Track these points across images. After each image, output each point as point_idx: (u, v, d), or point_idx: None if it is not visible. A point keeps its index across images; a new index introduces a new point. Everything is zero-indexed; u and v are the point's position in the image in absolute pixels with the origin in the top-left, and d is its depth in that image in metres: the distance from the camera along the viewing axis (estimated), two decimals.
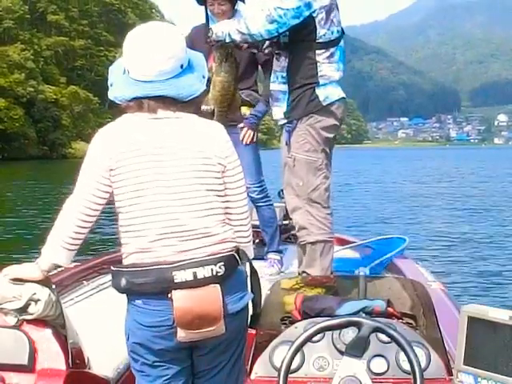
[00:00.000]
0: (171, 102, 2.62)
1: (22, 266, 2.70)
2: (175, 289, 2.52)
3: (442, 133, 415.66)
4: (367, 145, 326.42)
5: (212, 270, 2.54)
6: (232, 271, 2.59)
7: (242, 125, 5.15)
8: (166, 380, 2.60)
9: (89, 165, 2.66)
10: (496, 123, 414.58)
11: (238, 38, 4.32)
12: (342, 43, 4.48)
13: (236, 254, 2.62)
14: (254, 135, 5.22)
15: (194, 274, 2.53)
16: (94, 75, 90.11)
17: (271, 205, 5.37)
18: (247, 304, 2.67)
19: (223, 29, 4.36)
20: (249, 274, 2.78)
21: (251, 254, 2.87)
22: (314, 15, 4.26)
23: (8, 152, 70.60)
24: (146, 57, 2.60)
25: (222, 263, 2.56)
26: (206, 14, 5.05)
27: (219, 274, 2.55)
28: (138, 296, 2.56)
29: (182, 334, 2.55)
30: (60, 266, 2.79)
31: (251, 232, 2.86)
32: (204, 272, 2.54)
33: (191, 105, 2.68)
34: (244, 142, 5.16)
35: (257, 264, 3.01)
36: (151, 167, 2.57)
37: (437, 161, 77.49)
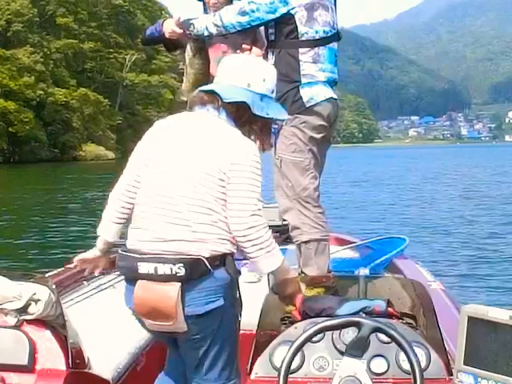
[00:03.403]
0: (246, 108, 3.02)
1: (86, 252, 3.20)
2: (140, 279, 2.77)
3: (452, 131, 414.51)
4: (378, 144, 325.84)
5: (171, 268, 2.73)
6: (197, 275, 2.75)
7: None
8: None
9: (131, 157, 3.11)
10: (507, 120, 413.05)
11: (214, 30, 4.35)
12: (333, 45, 4.46)
13: (205, 260, 2.75)
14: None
15: (155, 269, 2.74)
16: (104, 77, 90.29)
17: None
18: (216, 309, 2.79)
19: (202, 23, 4.39)
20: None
21: (263, 269, 2.99)
22: (293, 12, 4.26)
23: (19, 155, 70.93)
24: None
25: (182, 264, 2.73)
26: (204, 7, 5.07)
27: (179, 275, 2.73)
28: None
29: (145, 322, 2.84)
30: (115, 246, 3.10)
31: (257, 247, 2.88)
32: (164, 269, 2.73)
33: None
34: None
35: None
36: (157, 169, 2.95)
37: (444, 160, 77.07)
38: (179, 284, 2.73)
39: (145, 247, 2.84)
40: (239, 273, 2.98)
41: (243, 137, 3.02)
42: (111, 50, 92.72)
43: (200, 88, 3.16)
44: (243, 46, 4.83)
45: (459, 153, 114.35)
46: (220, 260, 2.81)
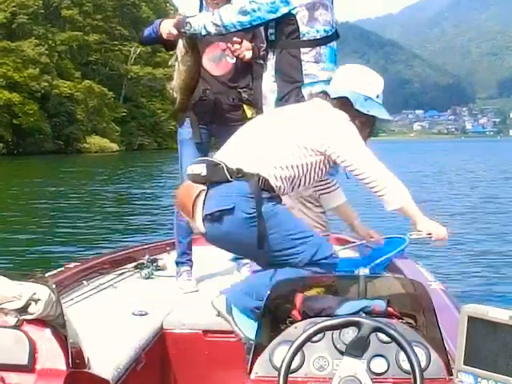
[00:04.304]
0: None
1: None
2: (188, 179, 3.51)
3: (457, 125, 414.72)
4: (382, 137, 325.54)
5: (198, 168, 3.39)
6: (216, 178, 3.35)
7: None
8: None
9: None
10: (511, 115, 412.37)
11: (212, 30, 4.28)
12: (333, 44, 4.43)
13: (224, 167, 3.35)
14: None
15: (192, 169, 3.43)
16: (109, 70, 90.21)
17: None
18: (227, 211, 3.32)
19: (199, 22, 4.32)
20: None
21: (390, 205, 3.67)
22: (295, 12, 4.23)
23: (23, 147, 70.92)
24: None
25: (205, 165, 3.38)
26: (201, 4, 5.04)
27: (202, 175, 3.36)
28: None
29: None
30: None
31: (382, 185, 3.57)
32: (196, 169, 3.41)
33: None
34: None
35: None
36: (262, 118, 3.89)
37: (448, 154, 76.75)
38: (203, 187, 3.35)
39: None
40: (275, 199, 3.46)
41: (334, 112, 3.59)
42: (116, 43, 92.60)
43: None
44: (234, 38, 4.81)
45: (464, 147, 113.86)
46: (245, 175, 3.35)
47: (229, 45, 4.83)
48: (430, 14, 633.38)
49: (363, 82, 3.68)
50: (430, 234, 3.63)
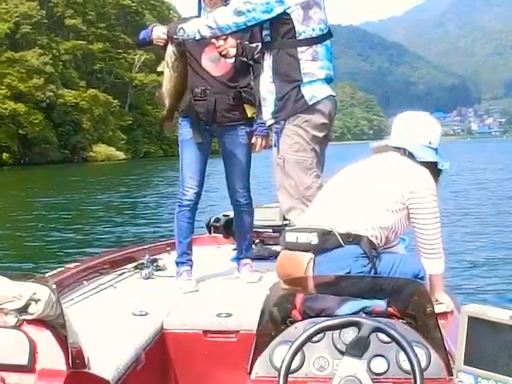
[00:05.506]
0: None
1: None
2: (285, 247, 3.46)
3: (463, 126, 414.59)
4: None
5: (307, 237, 3.33)
6: (328, 245, 3.33)
7: (254, 140, 5.16)
8: None
9: None
10: None
11: (207, 33, 4.31)
12: (327, 42, 4.44)
13: (337, 234, 3.34)
14: (266, 142, 5.25)
15: (296, 238, 3.37)
16: (114, 78, 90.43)
17: (252, 212, 5.35)
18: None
19: (193, 27, 4.35)
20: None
21: (430, 269, 3.65)
22: (290, 12, 4.23)
23: (29, 157, 71.12)
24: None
25: (316, 234, 3.33)
26: (199, 5, 5.06)
27: (313, 243, 3.33)
28: None
29: None
30: None
31: (434, 251, 3.64)
32: (301, 237, 3.35)
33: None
34: (257, 151, 5.21)
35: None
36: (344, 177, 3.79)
37: (454, 154, 76.49)
38: (310, 255, 3.32)
39: (303, 223, 3.54)
40: (378, 256, 3.48)
41: (421, 168, 3.64)
42: (120, 51, 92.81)
43: (388, 143, 3.83)
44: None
45: (470, 148, 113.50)
46: (355, 238, 3.38)
47: (213, 40, 4.81)
48: (433, 15, 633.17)
49: (435, 136, 3.81)
50: (447, 306, 3.79)
